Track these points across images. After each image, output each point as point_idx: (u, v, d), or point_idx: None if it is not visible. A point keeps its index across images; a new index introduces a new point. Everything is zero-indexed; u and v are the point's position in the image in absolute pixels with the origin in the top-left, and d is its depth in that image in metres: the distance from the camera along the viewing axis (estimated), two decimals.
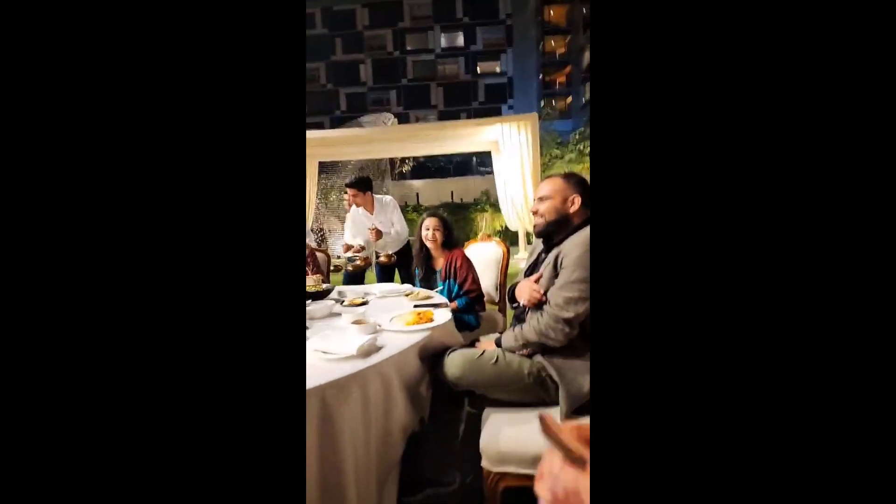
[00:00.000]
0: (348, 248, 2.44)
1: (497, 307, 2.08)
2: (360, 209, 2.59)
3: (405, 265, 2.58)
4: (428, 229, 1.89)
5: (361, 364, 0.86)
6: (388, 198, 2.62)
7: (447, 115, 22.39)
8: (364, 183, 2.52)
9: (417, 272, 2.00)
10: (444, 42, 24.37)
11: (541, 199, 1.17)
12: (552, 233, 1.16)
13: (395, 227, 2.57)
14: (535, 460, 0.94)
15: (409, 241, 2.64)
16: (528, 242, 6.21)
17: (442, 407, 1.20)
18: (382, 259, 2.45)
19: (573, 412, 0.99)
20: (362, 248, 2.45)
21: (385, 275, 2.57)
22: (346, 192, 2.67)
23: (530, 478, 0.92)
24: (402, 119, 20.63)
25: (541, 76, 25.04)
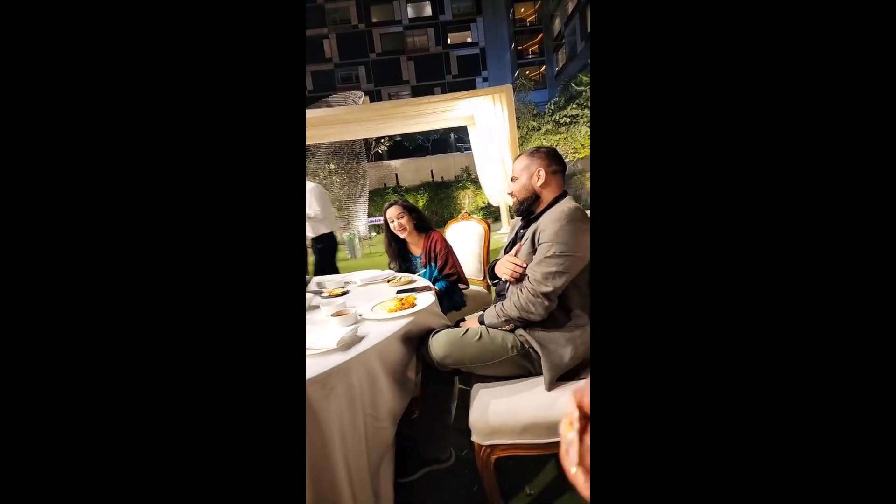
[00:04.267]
0: None
1: (482, 284, 2.09)
2: None
3: (321, 257, 2.75)
4: (393, 220, 1.78)
5: (343, 357, 0.85)
6: (310, 184, 2.71)
7: (420, 90, 21.77)
8: None
9: (393, 267, 1.93)
10: (411, 12, 23.37)
11: (513, 179, 1.21)
12: (527, 210, 1.20)
13: (308, 211, 2.67)
14: (525, 430, 0.97)
15: (330, 232, 2.78)
16: (511, 217, 6.23)
17: (433, 386, 1.22)
18: None
19: (556, 380, 1.02)
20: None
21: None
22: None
23: (520, 447, 0.96)
24: (374, 97, 19.98)
25: (513, 45, 24.46)
